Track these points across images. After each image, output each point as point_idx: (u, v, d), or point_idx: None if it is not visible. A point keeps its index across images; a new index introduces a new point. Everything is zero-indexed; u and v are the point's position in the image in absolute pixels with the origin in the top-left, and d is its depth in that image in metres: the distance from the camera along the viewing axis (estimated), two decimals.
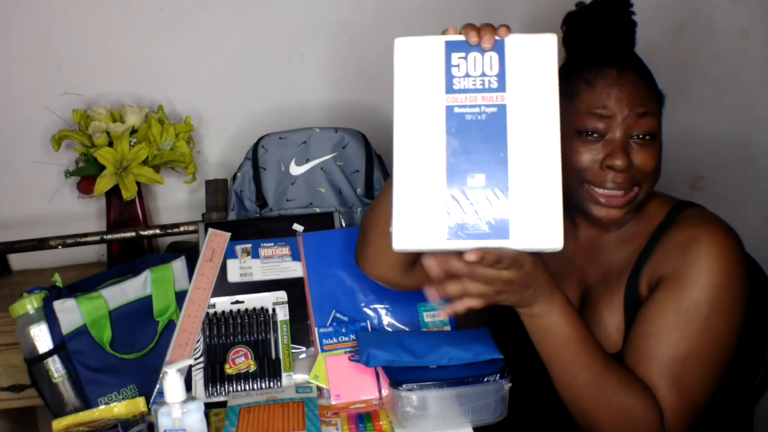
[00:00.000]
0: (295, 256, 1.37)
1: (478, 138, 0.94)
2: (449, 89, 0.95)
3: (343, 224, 1.47)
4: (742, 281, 1.08)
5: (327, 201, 1.53)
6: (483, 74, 0.95)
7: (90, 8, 1.75)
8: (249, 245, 1.37)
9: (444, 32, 0.96)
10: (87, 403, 1.21)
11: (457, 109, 0.95)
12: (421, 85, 0.96)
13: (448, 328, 1.31)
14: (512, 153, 0.94)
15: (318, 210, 1.52)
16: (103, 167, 1.64)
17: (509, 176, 0.94)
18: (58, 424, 1.11)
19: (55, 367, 1.23)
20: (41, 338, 1.22)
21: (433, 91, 0.95)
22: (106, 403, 1.17)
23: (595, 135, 1.10)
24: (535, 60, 0.95)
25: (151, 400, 1.21)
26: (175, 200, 1.87)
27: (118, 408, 1.13)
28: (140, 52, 1.78)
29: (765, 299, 1.29)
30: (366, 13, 1.82)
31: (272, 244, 1.38)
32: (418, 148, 0.95)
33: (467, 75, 0.95)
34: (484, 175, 0.94)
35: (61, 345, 1.22)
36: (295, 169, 1.55)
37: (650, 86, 1.11)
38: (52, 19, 1.75)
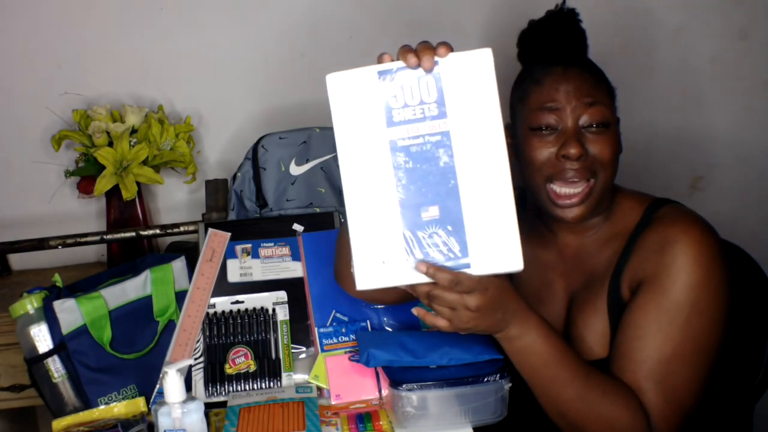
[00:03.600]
0: (295, 256, 1.37)
1: (425, 169, 0.93)
2: (389, 123, 0.93)
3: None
4: (722, 277, 1.09)
5: (327, 201, 1.53)
6: (422, 102, 0.93)
7: (90, 8, 1.75)
8: (249, 245, 1.37)
9: (380, 59, 0.94)
10: (87, 403, 1.21)
11: (400, 143, 0.93)
12: (360, 122, 0.94)
13: None
14: (462, 179, 0.93)
15: (318, 210, 1.52)
16: (103, 167, 1.64)
17: (462, 204, 0.93)
18: (58, 424, 1.11)
19: (55, 367, 1.23)
20: (41, 338, 1.22)
21: (373, 127, 0.93)
22: (106, 403, 1.17)
23: (548, 129, 1.12)
24: (472, 78, 0.93)
25: (151, 400, 1.21)
26: (175, 200, 1.87)
27: (118, 408, 1.13)
28: (140, 52, 1.78)
29: (764, 299, 1.29)
30: (366, 13, 1.82)
31: (272, 244, 1.38)
32: (368, 187, 0.94)
33: (405, 105, 0.93)
34: (437, 207, 0.93)
35: (61, 345, 1.22)
36: (295, 169, 1.55)
37: (598, 79, 1.13)
38: (52, 19, 1.75)
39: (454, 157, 0.93)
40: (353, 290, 1.19)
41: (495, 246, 0.93)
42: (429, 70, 0.92)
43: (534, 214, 1.24)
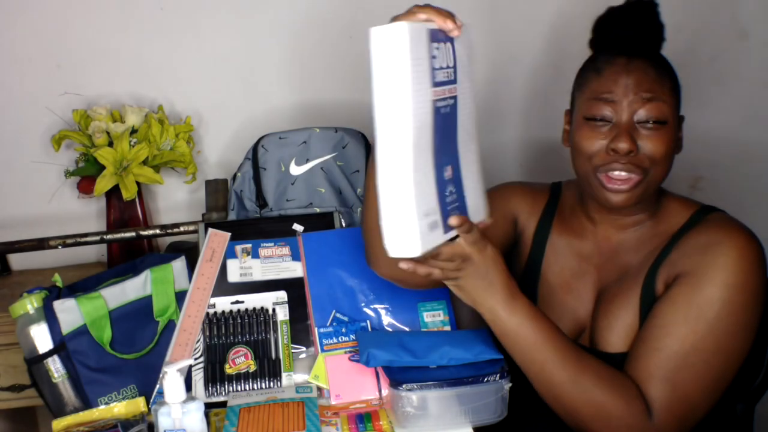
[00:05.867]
0: (295, 256, 1.37)
1: (446, 130, 0.96)
2: (433, 82, 0.91)
3: (343, 224, 1.47)
4: (760, 286, 1.08)
5: (327, 201, 1.53)
6: (448, 66, 0.95)
7: (90, 8, 1.75)
8: (249, 245, 1.37)
9: (412, 15, 0.93)
10: (87, 403, 1.21)
11: (438, 103, 0.93)
12: (417, 79, 0.88)
13: (448, 328, 1.31)
14: (459, 140, 1.00)
15: (318, 210, 1.52)
16: (103, 167, 1.64)
17: (461, 163, 1.00)
18: (58, 424, 1.11)
19: (55, 367, 1.23)
20: (41, 338, 1.22)
21: (421, 85, 0.89)
22: (106, 403, 1.17)
23: (602, 121, 1.11)
24: (467, 49, 0.98)
25: (151, 400, 1.21)
26: (175, 200, 1.87)
27: (118, 408, 1.13)
28: (140, 52, 1.78)
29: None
30: (366, 13, 1.82)
31: (272, 244, 1.38)
32: (417, 147, 0.88)
33: (440, 67, 0.93)
34: (451, 166, 0.97)
35: (61, 345, 1.22)
36: (295, 169, 1.55)
37: (661, 74, 1.11)
38: (52, 19, 1.75)
39: (458, 120, 0.98)
40: (384, 270, 1.20)
41: (478, 200, 1.03)
42: (456, 38, 0.96)
43: (573, 205, 1.24)
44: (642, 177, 1.11)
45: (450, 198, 0.96)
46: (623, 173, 1.10)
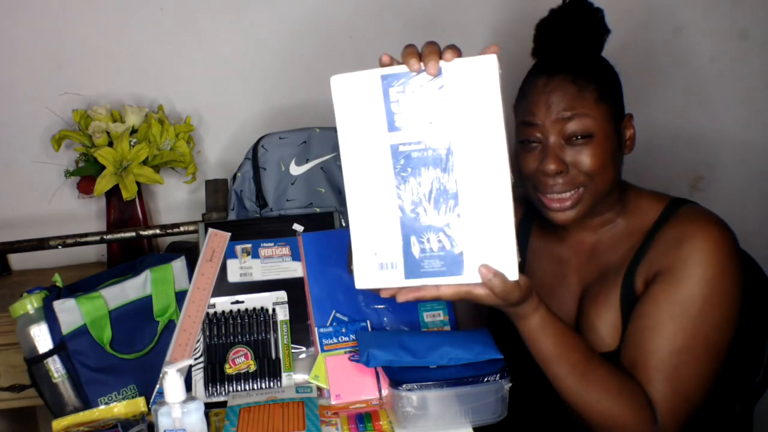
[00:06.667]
0: (295, 256, 1.37)
1: (426, 175, 0.93)
2: (391, 127, 0.93)
3: (343, 224, 1.47)
4: (737, 275, 1.09)
5: (327, 201, 1.53)
6: (424, 107, 0.92)
7: (90, 8, 1.76)
8: (249, 245, 1.37)
9: (380, 60, 0.92)
10: (87, 403, 1.21)
11: (402, 147, 0.93)
12: (363, 124, 0.94)
13: (448, 328, 1.31)
14: (461, 187, 0.92)
15: (318, 210, 1.52)
16: (103, 167, 1.64)
17: (460, 212, 0.93)
18: (58, 424, 1.11)
19: (55, 367, 1.23)
20: (41, 338, 1.22)
21: (375, 130, 0.94)
22: (106, 403, 1.17)
23: (533, 143, 1.13)
24: (475, 86, 0.90)
25: (151, 400, 1.21)
26: (175, 200, 1.87)
27: (118, 408, 1.13)
28: (140, 52, 1.78)
29: (763, 299, 1.29)
30: (366, 13, 1.82)
31: (272, 244, 1.38)
32: (369, 190, 0.95)
33: (408, 110, 0.92)
34: (435, 212, 0.93)
35: (61, 345, 1.22)
36: (295, 169, 1.55)
37: (582, 87, 1.10)
38: (52, 19, 1.75)
39: (454, 166, 0.92)
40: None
41: (490, 257, 0.93)
42: (433, 77, 0.90)
43: None
44: (582, 192, 1.12)
45: (429, 245, 0.94)
46: (559, 195, 1.12)
